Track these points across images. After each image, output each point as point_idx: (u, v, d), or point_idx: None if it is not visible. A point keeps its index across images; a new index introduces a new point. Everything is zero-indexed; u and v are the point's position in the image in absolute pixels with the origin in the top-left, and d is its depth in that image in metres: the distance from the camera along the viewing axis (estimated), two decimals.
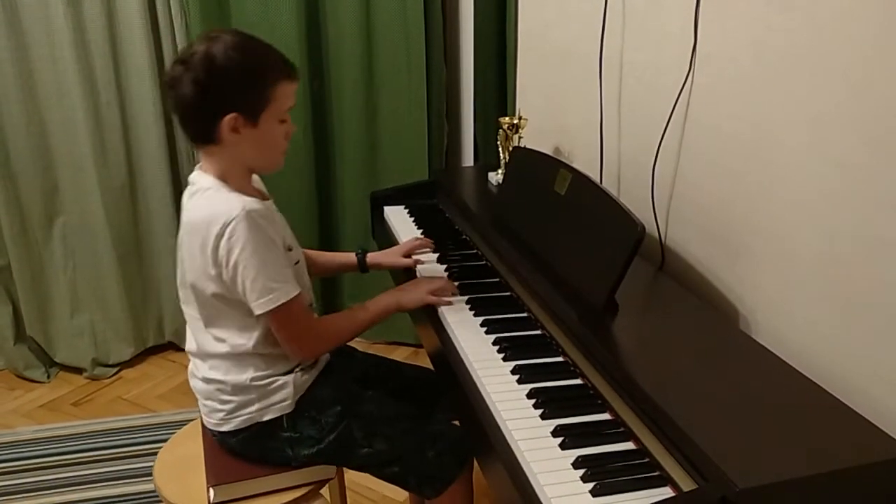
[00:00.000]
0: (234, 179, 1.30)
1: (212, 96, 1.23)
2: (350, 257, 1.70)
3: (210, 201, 1.26)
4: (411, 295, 1.49)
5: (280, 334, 1.31)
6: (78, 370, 2.67)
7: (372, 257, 1.70)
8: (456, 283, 1.55)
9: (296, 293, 1.28)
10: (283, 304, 1.26)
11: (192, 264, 1.29)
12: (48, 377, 2.65)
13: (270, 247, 1.26)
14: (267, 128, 1.28)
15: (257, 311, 1.26)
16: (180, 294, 1.37)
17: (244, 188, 1.32)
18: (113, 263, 2.58)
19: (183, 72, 1.23)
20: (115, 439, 2.30)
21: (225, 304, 1.29)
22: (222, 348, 1.33)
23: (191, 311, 1.36)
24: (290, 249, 1.35)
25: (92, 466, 2.17)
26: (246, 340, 1.32)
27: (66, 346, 2.66)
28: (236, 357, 1.33)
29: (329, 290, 2.85)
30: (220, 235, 1.22)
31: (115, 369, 2.69)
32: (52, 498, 2.05)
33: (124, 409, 2.48)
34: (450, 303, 1.49)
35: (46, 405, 2.51)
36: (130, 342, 2.70)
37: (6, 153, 2.42)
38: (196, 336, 1.37)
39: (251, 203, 1.24)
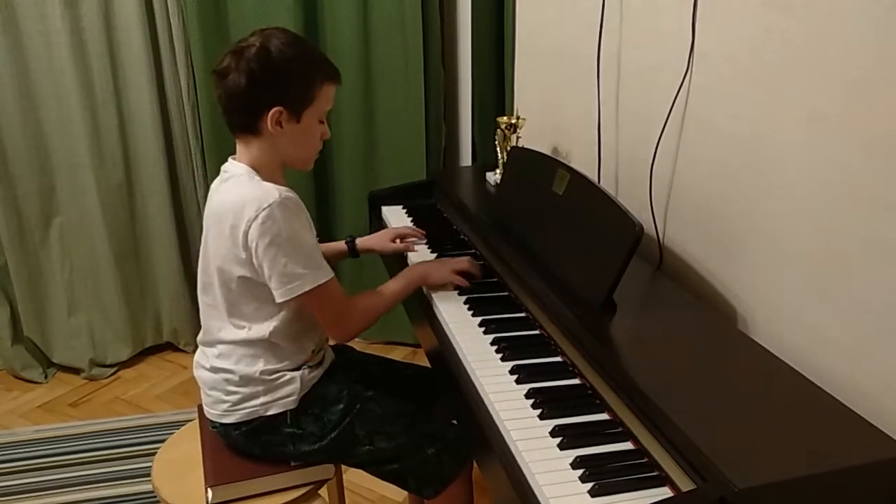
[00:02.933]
0: (267, 171, 1.33)
1: (262, 88, 1.27)
2: (339, 245, 1.74)
3: (243, 187, 1.29)
4: (438, 273, 1.53)
5: (319, 317, 1.36)
6: (75, 371, 2.66)
7: (361, 241, 1.75)
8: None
9: (328, 278, 1.31)
10: (312, 290, 1.29)
11: (218, 249, 1.31)
12: (46, 378, 2.64)
13: (304, 232, 1.29)
14: (307, 125, 1.32)
15: (280, 298, 1.28)
16: (199, 283, 1.39)
17: (276, 180, 1.33)
18: (110, 263, 2.58)
19: (236, 62, 1.26)
20: (113, 440, 2.29)
21: (250, 289, 1.31)
22: (240, 335, 1.34)
23: (208, 300, 1.37)
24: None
25: (90, 467, 2.17)
26: (265, 328, 1.33)
27: (64, 347, 2.65)
28: (251, 346, 1.34)
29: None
30: (253, 219, 1.24)
31: (113, 370, 2.69)
32: (50, 499, 2.04)
33: (122, 409, 2.48)
34: (469, 285, 1.52)
35: (44, 406, 2.51)
36: (128, 342, 2.70)
37: (3, 154, 2.42)
38: (211, 324, 1.38)
39: (286, 191, 1.28)
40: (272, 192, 1.25)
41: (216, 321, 1.37)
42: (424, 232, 1.81)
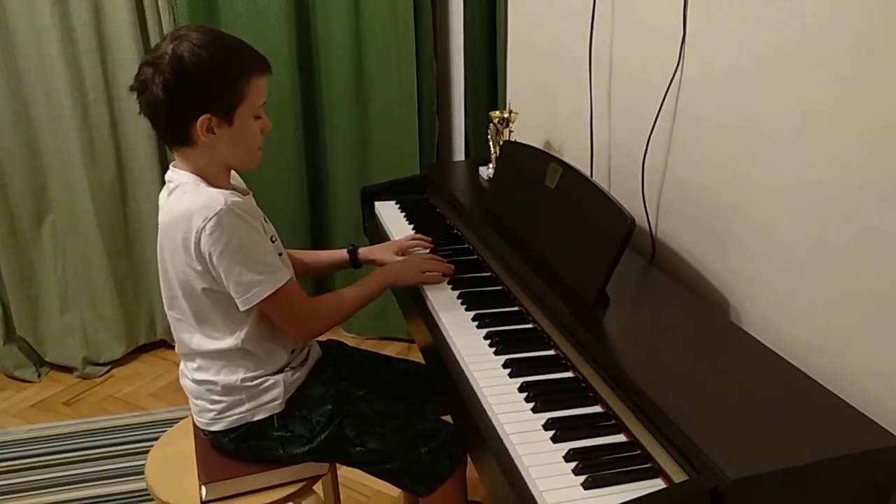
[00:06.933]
0: (211, 177, 1.29)
1: (183, 99, 1.21)
2: (341, 254, 1.70)
3: (189, 196, 1.24)
4: (407, 273, 1.54)
5: (279, 321, 1.32)
6: (69, 369, 2.65)
7: (364, 252, 1.70)
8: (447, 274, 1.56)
9: (285, 281, 1.28)
10: (270, 296, 1.26)
11: (176, 263, 1.28)
12: (39, 377, 2.63)
13: (254, 237, 1.25)
14: (242, 125, 1.26)
15: (243, 307, 1.26)
16: (165, 299, 1.35)
17: (222, 185, 1.30)
18: (103, 261, 2.57)
19: (152, 75, 1.20)
20: (107, 438, 2.29)
21: (215, 300, 1.29)
22: (214, 345, 1.32)
23: (177, 315, 1.34)
24: (273, 241, 1.35)
25: (83, 465, 2.17)
26: (235, 338, 1.31)
27: (57, 346, 2.65)
28: (227, 356, 1.33)
29: (321, 282, 2.84)
30: (201, 229, 1.20)
31: (107, 368, 2.68)
32: (43, 497, 2.04)
33: (116, 407, 2.47)
34: (439, 280, 1.52)
35: (37, 405, 2.50)
36: (122, 340, 2.69)
37: None
38: (184, 338, 1.35)
39: (231, 196, 1.23)
40: (218, 198, 1.20)
41: (188, 334, 1.34)
42: (431, 239, 1.75)
